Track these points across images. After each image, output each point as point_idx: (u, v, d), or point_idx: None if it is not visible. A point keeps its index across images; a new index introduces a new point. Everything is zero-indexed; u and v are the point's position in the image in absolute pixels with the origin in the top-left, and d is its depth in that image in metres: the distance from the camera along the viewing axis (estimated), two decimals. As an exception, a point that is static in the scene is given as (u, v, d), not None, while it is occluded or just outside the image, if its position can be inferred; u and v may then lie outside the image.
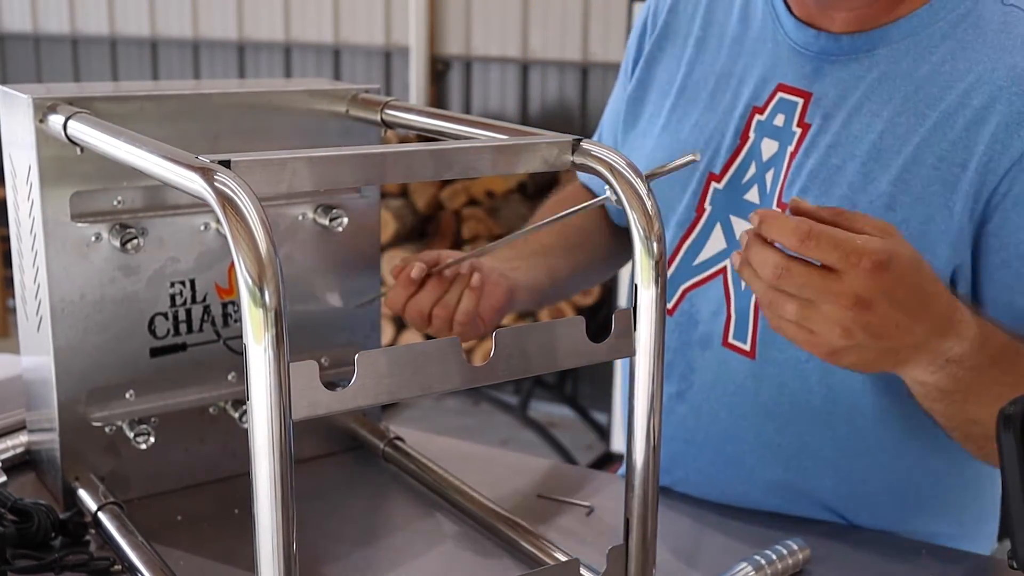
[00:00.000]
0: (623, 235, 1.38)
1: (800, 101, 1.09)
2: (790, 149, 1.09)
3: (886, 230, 0.84)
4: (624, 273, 3.43)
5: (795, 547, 1.03)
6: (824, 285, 0.80)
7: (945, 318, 0.86)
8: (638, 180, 0.79)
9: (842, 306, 0.81)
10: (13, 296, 1.27)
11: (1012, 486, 0.74)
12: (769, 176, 1.11)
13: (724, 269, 1.14)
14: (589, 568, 0.93)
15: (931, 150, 1.01)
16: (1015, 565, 0.75)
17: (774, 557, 1.01)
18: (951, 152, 1.00)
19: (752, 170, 1.12)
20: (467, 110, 4.38)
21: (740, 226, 1.13)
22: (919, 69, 1.03)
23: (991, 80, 0.99)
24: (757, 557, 1.00)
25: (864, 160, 1.04)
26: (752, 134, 1.13)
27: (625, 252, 1.43)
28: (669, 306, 1.18)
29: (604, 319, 0.83)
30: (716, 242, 1.15)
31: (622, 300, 2.95)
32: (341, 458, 1.24)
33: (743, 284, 1.12)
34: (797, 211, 0.83)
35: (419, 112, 1.05)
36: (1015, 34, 1.01)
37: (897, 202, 1.01)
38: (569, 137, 0.83)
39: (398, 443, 1.21)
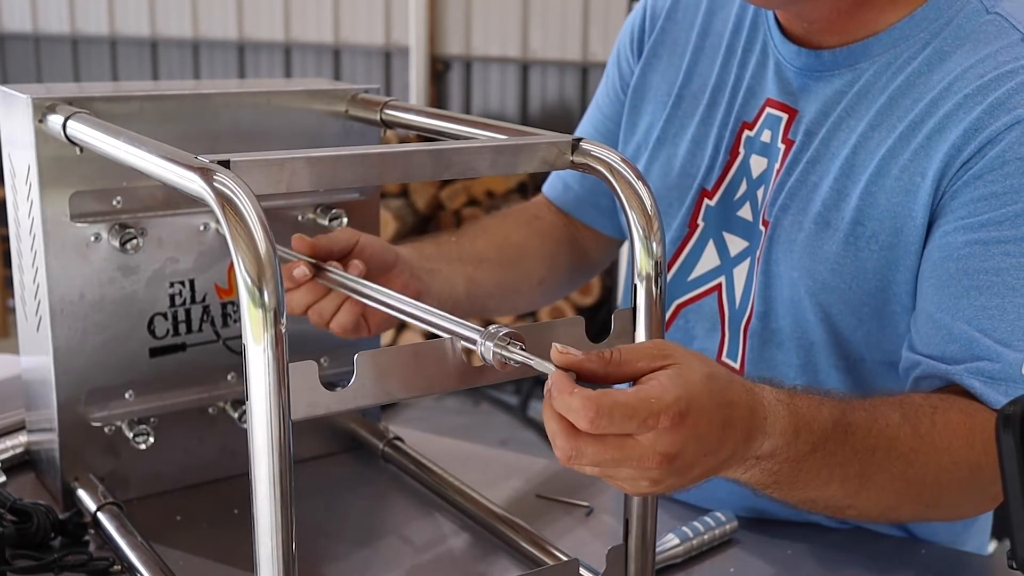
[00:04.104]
0: (570, 263, 1.36)
1: (785, 117, 1.09)
2: (776, 166, 1.09)
3: (664, 352, 0.75)
4: (623, 273, 3.43)
5: (723, 518, 1.05)
6: (622, 456, 0.72)
7: (748, 423, 0.80)
8: (638, 180, 0.79)
9: (646, 467, 0.73)
10: (13, 296, 1.27)
11: (1012, 486, 0.74)
12: (760, 193, 1.10)
13: (719, 286, 1.14)
14: (589, 568, 0.93)
15: (895, 161, 0.99)
16: (1015, 565, 0.75)
17: (701, 529, 1.03)
18: (912, 161, 0.98)
19: (743, 187, 1.12)
20: (467, 110, 4.38)
21: (733, 243, 1.13)
22: (895, 81, 1.02)
23: (959, 89, 0.97)
24: (684, 528, 1.02)
25: (837, 176, 1.03)
26: (742, 149, 1.12)
27: (569, 282, 1.40)
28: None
29: (604, 319, 0.82)
30: (710, 258, 1.15)
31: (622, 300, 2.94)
32: (341, 458, 1.24)
33: (736, 302, 1.12)
34: (563, 364, 0.73)
35: (419, 112, 1.05)
36: (993, 44, 0.98)
37: (866, 216, 1.00)
38: (569, 137, 0.83)
39: (397, 443, 1.21)
